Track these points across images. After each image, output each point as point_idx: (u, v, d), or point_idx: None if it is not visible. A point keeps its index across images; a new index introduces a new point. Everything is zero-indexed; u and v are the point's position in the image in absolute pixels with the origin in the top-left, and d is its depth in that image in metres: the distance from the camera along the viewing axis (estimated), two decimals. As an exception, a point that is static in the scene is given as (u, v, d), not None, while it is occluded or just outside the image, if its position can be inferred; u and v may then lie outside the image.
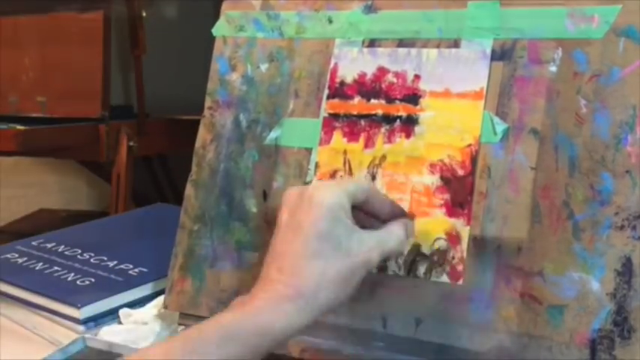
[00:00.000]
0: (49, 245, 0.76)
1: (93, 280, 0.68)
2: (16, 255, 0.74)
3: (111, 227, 0.88)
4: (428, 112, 0.54)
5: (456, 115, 0.53)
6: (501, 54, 0.52)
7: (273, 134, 0.59)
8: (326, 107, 0.57)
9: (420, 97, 0.54)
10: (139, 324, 0.63)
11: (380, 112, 0.55)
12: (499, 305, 0.49)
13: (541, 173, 0.49)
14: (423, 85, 0.54)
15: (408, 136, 0.54)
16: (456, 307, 0.50)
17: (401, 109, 0.55)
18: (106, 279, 0.68)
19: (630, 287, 0.45)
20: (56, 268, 0.71)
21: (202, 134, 0.62)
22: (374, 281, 0.52)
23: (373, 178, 0.54)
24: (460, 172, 0.52)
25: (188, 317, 0.59)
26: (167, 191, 1.87)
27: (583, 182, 0.48)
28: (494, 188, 0.50)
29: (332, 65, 0.58)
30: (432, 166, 0.53)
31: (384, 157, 0.54)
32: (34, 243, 0.77)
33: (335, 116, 0.57)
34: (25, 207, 1.87)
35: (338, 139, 0.56)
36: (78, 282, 0.68)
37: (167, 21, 1.87)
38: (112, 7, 1.45)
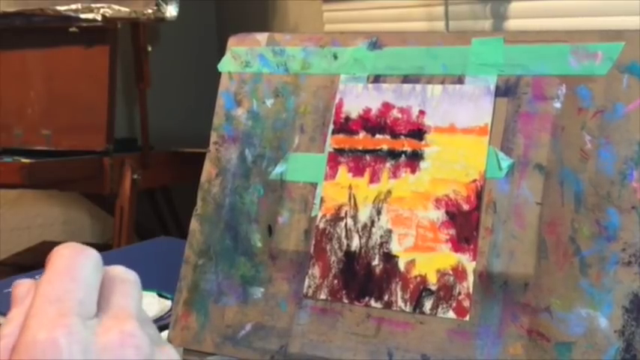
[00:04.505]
0: (52, 279, 0.76)
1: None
2: (20, 289, 0.73)
3: (114, 260, 0.88)
4: (433, 148, 0.54)
5: (460, 150, 0.53)
6: (506, 90, 0.53)
7: (278, 169, 0.59)
8: (331, 142, 0.58)
9: (424, 132, 0.54)
10: (142, 359, 0.62)
11: (385, 147, 0.55)
12: (506, 342, 0.48)
13: (547, 209, 0.49)
14: (427, 121, 0.55)
15: (413, 171, 0.54)
16: (463, 344, 0.49)
17: (406, 145, 0.55)
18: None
19: (639, 324, 0.45)
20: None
21: (208, 169, 0.62)
22: (380, 317, 0.52)
23: (378, 213, 0.54)
24: (465, 207, 0.52)
25: (192, 353, 0.59)
26: (170, 224, 1.87)
27: (589, 218, 0.48)
28: (500, 223, 0.50)
29: (337, 101, 0.58)
30: (438, 201, 0.53)
31: (389, 192, 0.54)
32: (37, 277, 0.77)
33: (340, 151, 0.57)
34: (27, 239, 1.87)
35: (343, 174, 0.56)
36: (81, 317, 0.67)
37: (172, 55, 1.89)
38: (118, 42, 1.46)
